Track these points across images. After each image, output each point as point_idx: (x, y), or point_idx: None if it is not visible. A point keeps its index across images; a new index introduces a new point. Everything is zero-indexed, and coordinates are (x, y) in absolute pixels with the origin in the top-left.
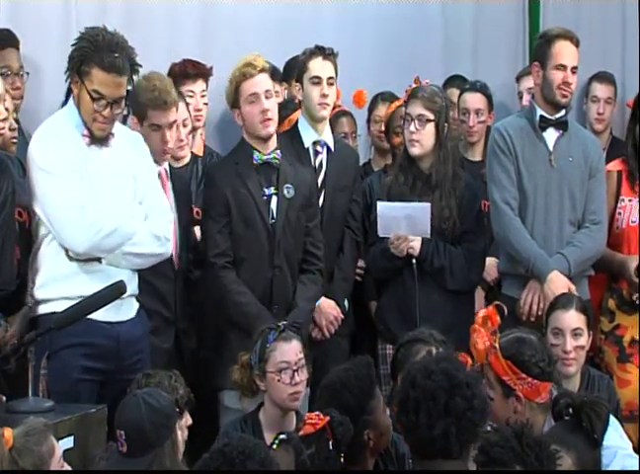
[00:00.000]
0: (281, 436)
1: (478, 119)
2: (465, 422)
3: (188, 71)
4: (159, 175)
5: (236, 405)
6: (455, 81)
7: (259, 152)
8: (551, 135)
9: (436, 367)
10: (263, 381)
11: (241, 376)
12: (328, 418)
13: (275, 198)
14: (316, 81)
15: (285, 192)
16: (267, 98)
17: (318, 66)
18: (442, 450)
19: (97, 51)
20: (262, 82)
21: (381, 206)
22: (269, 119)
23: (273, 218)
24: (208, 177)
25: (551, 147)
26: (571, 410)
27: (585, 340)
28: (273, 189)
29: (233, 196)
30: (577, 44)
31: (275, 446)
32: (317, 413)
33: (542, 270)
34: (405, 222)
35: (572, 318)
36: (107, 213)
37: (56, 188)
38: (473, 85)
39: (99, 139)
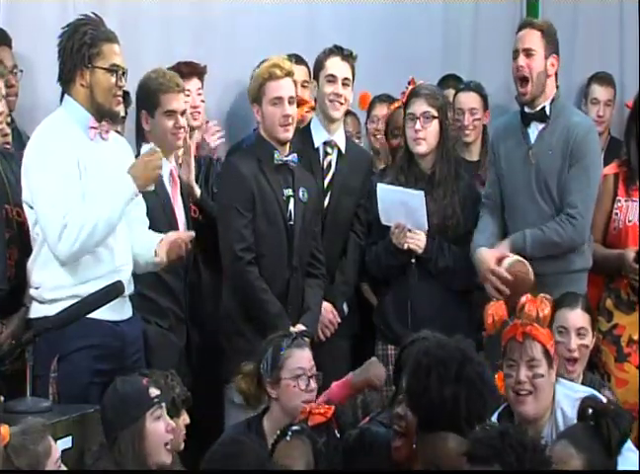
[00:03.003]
0: (294, 428)
1: (473, 118)
2: (474, 392)
3: (182, 70)
4: (170, 173)
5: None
6: (450, 81)
7: (279, 152)
8: (535, 129)
9: (448, 342)
10: (275, 388)
11: (247, 386)
12: (334, 407)
13: (292, 201)
14: (331, 79)
15: (301, 194)
16: (290, 103)
17: (335, 65)
18: (451, 417)
19: (97, 30)
20: (287, 87)
21: (380, 189)
22: (289, 125)
23: (290, 220)
24: (232, 169)
25: (533, 141)
26: (592, 415)
27: (589, 340)
28: (290, 190)
29: (259, 191)
30: (539, 29)
31: (288, 438)
32: (320, 403)
33: (473, 249)
34: (403, 210)
35: (578, 317)
36: (88, 214)
37: (45, 197)
38: (467, 85)
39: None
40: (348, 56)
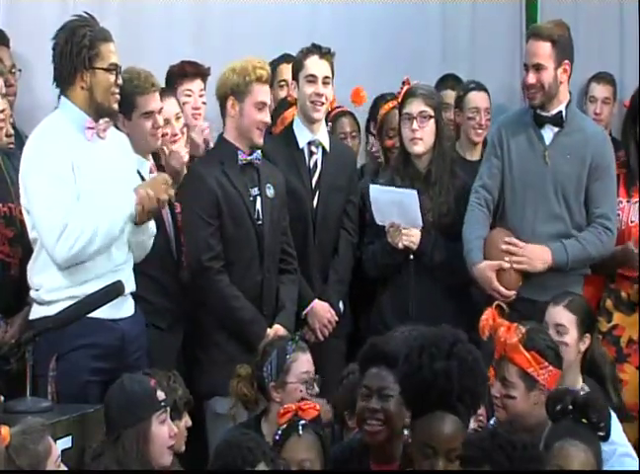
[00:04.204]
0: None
1: (486, 118)
2: (466, 368)
3: (186, 71)
4: (150, 170)
5: (230, 411)
6: (449, 81)
7: (243, 152)
8: (549, 131)
9: (439, 327)
10: (280, 392)
11: (247, 390)
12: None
13: (259, 199)
14: (311, 79)
15: (267, 192)
16: (267, 110)
17: (314, 65)
18: (443, 394)
19: (94, 31)
20: (269, 93)
21: (373, 190)
22: (264, 130)
23: (259, 219)
24: (195, 177)
25: (548, 143)
26: (574, 407)
27: (570, 338)
28: (257, 189)
29: (224, 196)
30: (549, 39)
31: (301, 433)
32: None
33: (471, 260)
34: (396, 210)
35: (557, 313)
36: (87, 220)
37: (41, 201)
38: (479, 84)
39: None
40: (326, 54)
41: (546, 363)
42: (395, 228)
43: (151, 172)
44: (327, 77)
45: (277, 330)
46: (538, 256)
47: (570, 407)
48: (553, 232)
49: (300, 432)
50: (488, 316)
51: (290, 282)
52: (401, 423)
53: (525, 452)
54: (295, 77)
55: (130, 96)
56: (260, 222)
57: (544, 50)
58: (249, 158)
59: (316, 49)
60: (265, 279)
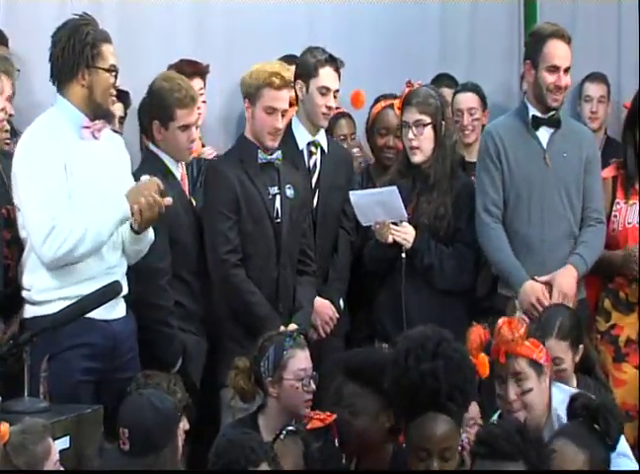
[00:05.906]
0: (289, 428)
1: (472, 118)
2: (453, 366)
3: (184, 69)
4: (181, 178)
5: (240, 403)
6: (443, 81)
7: (262, 152)
8: (544, 133)
9: (425, 328)
10: (276, 387)
11: (243, 382)
12: (335, 415)
13: (278, 198)
14: (324, 92)
15: (287, 192)
16: (282, 115)
17: (329, 77)
18: (432, 394)
19: (96, 31)
20: (283, 99)
21: (354, 196)
22: (277, 136)
23: (277, 218)
24: (216, 173)
25: (545, 145)
26: (585, 411)
27: (568, 364)
28: (276, 188)
29: (242, 193)
30: (569, 42)
31: (282, 437)
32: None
33: (516, 280)
34: (380, 209)
35: (550, 348)
36: (77, 221)
37: (32, 200)
38: (465, 85)
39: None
40: (339, 67)
41: (540, 346)
42: (382, 225)
43: (182, 178)
44: (337, 90)
45: (292, 328)
46: (568, 282)
47: (584, 410)
48: (560, 234)
49: (282, 436)
50: (477, 332)
51: (308, 284)
52: None
53: (547, 450)
54: (301, 77)
55: (170, 107)
56: (278, 221)
57: (569, 54)
58: (269, 158)
59: (332, 61)
60: (280, 276)
